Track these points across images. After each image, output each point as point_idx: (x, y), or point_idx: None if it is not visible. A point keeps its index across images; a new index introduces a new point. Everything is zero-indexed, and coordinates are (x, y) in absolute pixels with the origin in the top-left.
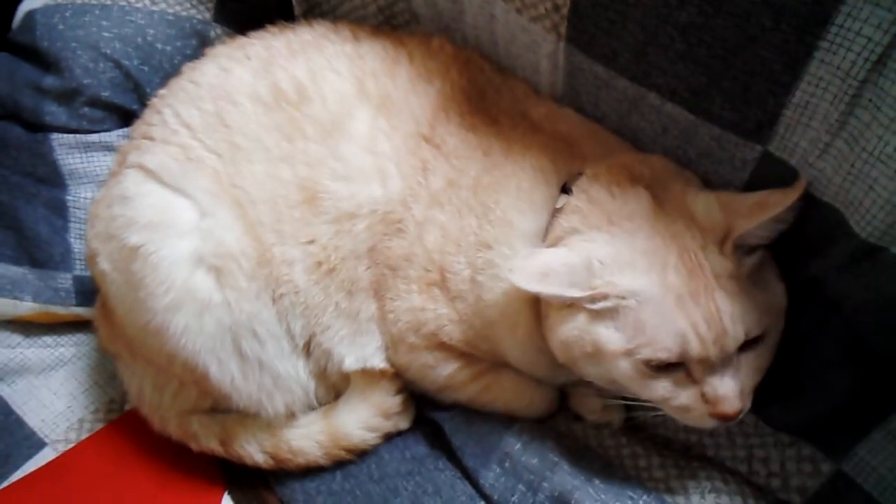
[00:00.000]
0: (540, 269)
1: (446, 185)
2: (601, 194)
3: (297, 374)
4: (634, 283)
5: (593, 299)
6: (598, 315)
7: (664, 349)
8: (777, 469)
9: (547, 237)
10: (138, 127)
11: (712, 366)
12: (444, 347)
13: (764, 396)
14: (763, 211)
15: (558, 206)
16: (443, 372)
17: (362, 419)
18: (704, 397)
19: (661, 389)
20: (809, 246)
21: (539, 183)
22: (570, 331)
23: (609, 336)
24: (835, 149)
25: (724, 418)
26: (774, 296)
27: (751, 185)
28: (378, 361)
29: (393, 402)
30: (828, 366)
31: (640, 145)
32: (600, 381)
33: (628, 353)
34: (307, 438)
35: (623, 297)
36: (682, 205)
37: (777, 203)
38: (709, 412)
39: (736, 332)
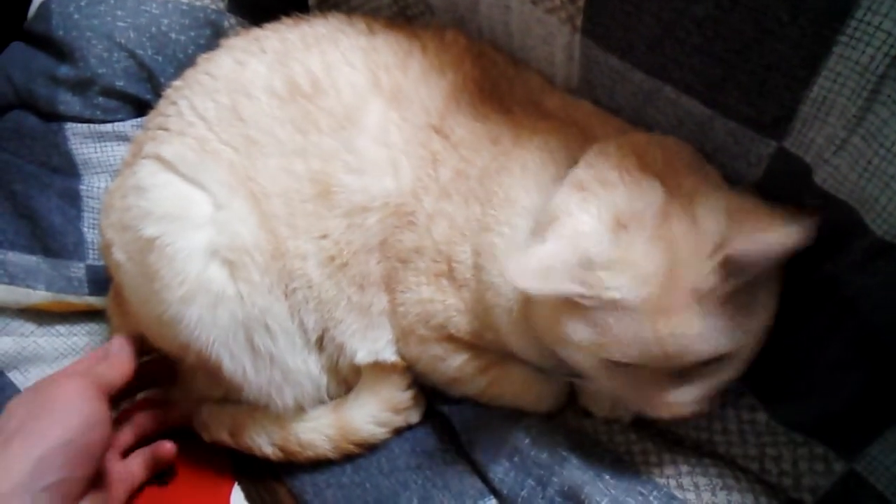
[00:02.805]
0: (540, 268)
1: (455, 175)
2: (612, 176)
3: (307, 369)
4: (621, 292)
5: (584, 297)
6: (573, 308)
7: (626, 355)
8: (789, 468)
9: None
10: (153, 118)
11: (671, 373)
12: (452, 339)
13: (776, 395)
14: (758, 243)
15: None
16: (452, 364)
17: (372, 414)
18: (660, 398)
19: (620, 383)
20: (823, 244)
21: (547, 162)
22: (545, 317)
23: (577, 329)
24: (851, 145)
25: (676, 419)
26: (758, 318)
27: (764, 181)
28: (389, 355)
29: (403, 396)
30: (841, 365)
31: None
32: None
33: (592, 348)
34: (316, 432)
35: (605, 301)
36: (690, 204)
37: (776, 243)
38: (664, 411)
39: (699, 351)
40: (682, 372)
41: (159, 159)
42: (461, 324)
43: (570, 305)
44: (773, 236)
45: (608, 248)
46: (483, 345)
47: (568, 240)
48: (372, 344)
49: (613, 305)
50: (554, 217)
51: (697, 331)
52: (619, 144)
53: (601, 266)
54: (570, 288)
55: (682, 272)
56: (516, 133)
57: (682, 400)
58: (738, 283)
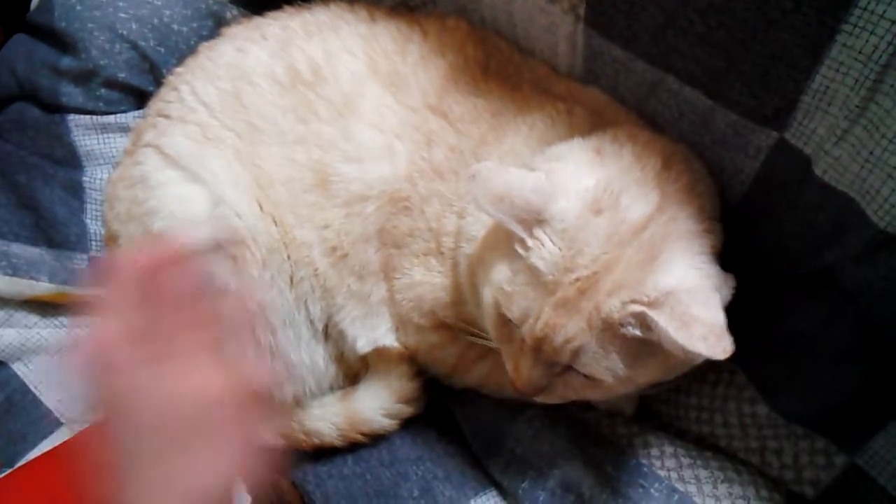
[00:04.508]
0: (500, 191)
1: (449, 151)
2: (626, 163)
3: (311, 361)
4: (545, 265)
5: (517, 242)
6: (505, 248)
7: (513, 314)
8: (790, 461)
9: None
10: (154, 104)
11: (535, 350)
12: (446, 327)
13: (777, 388)
14: (674, 334)
15: None
16: (451, 351)
17: (384, 406)
18: (520, 370)
19: (504, 344)
20: (823, 235)
21: (558, 125)
22: (478, 253)
23: (499, 270)
24: (853, 136)
25: (514, 388)
26: (633, 374)
27: (762, 174)
28: (390, 341)
29: (412, 386)
30: (842, 358)
31: (658, 130)
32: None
33: (499, 296)
34: (323, 420)
35: (528, 263)
36: (662, 241)
37: (678, 337)
38: (515, 380)
39: (559, 352)
40: (539, 355)
41: (161, 152)
42: (444, 299)
43: (505, 245)
44: (681, 335)
45: (570, 219)
46: (466, 323)
47: (546, 187)
48: (371, 332)
49: (532, 268)
50: (557, 158)
51: (568, 337)
52: (650, 140)
53: (551, 231)
54: (512, 226)
55: (605, 288)
56: (521, 105)
57: (521, 374)
58: (635, 336)
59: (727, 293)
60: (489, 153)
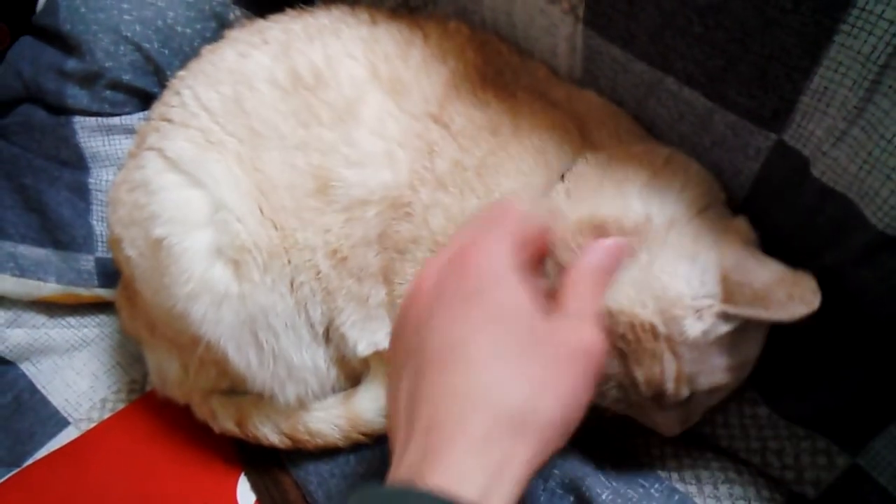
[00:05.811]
0: None
1: (452, 165)
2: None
3: (313, 364)
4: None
5: None
6: None
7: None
8: (791, 461)
9: None
10: (157, 107)
11: (657, 404)
12: None
13: (778, 389)
14: (760, 309)
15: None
16: None
17: (384, 407)
18: (651, 424)
19: (608, 395)
20: (822, 237)
21: (540, 165)
22: None
23: None
24: (851, 137)
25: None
26: (742, 354)
27: (761, 176)
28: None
29: None
30: (844, 358)
31: (657, 132)
32: None
33: None
34: (325, 422)
35: None
36: (693, 243)
37: (776, 315)
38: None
39: (678, 392)
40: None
41: (163, 156)
42: None
43: None
44: (774, 311)
45: None
46: None
47: None
48: (371, 335)
49: None
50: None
51: (674, 376)
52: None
53: None
54: None
55: (661, 322)
56: (516, 124)
57: (663, 424)
58: (727, 329)
59: (754, 236)
60: (490, 190)
